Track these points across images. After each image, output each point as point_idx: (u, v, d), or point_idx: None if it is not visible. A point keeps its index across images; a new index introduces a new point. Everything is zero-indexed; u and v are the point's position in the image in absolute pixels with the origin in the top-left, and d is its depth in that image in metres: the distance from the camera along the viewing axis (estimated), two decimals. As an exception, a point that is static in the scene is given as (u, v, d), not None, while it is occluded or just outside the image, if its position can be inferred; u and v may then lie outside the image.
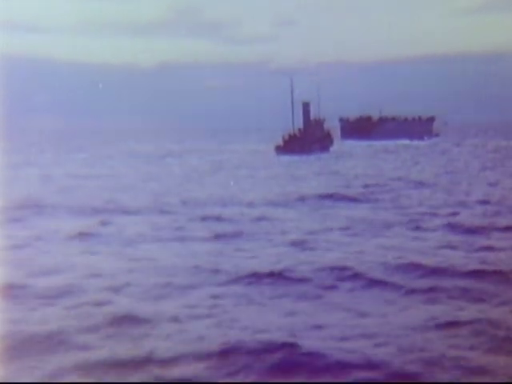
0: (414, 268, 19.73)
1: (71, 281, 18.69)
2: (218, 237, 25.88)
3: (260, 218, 31.00)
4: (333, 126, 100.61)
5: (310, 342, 13.43)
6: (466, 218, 30.18)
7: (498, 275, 18.74)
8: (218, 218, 31.01)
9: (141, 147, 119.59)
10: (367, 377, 12.00)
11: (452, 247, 23.42)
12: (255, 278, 18.86)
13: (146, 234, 26.98)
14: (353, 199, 38.05)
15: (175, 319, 15.17)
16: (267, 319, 15.26)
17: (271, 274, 19.05)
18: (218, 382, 12.06)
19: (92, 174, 58.15)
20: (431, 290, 17.42)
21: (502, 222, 28.55)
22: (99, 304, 16.36)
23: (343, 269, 19.70)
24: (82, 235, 26.13)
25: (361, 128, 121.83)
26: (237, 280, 18.77)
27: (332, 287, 18.17)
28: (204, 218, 30.98)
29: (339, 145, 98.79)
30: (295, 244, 24.28)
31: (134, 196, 40.40)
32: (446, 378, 11.84)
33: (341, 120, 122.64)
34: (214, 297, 17.09)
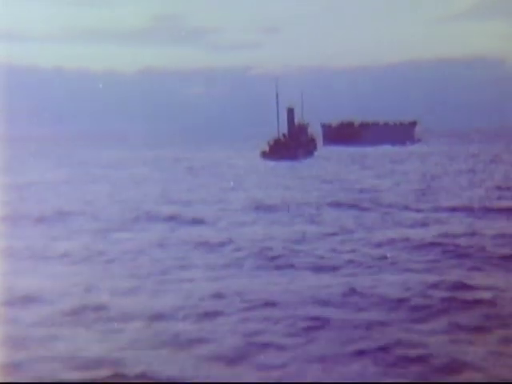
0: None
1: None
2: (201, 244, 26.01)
3: (244, 223, 31.68)
4: (315, 131, 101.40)
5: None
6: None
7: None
8: (201, 222, 31.71)
9: (123, 153, 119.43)
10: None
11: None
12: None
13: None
14: (338, 203, 39.09)
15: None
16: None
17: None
18: (217, 382, 12.53)
19: (71, 180, 58.46)
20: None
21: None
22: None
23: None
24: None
25: (343, 134, 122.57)
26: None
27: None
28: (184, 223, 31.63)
29: (322, 150, 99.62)
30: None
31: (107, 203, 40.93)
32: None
33: (323, 126, 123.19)
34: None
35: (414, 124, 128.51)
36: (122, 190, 49.57)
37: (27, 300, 17.70)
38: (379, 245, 25.29)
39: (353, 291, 18.15)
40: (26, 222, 32.62)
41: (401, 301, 17.22)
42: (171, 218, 33.35)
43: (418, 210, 34.98)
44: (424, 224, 30.38)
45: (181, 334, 14.80)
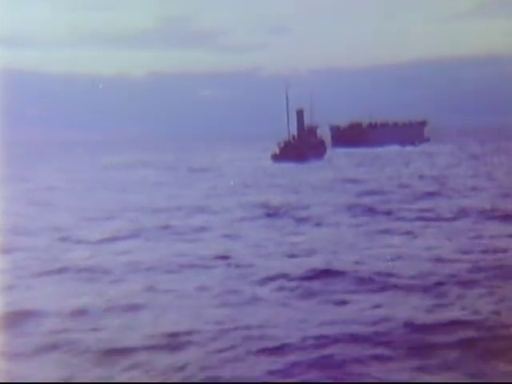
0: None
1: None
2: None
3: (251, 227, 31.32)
4: (323, 133, 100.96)
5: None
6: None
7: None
8: (206, 228, 31.34)
9: (131, 157, 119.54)
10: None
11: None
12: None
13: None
14: (349, 206, 38.61)
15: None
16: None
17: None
18: (223, 382, 12.35)
19: (77, 187, 58.40)
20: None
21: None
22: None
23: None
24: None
25: (351, 135, 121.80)
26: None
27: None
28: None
29: (331, 152, 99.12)
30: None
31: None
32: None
33: (331, 128, 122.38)
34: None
35: (423, 124, 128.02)
36: (129, 195, 49.24)
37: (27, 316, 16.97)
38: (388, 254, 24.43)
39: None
40: (33, 229, 32.35)
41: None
42: (177, 225, 32.97)
43: (429, 212, 34.50)
44: (434, 227, 29.88)
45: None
